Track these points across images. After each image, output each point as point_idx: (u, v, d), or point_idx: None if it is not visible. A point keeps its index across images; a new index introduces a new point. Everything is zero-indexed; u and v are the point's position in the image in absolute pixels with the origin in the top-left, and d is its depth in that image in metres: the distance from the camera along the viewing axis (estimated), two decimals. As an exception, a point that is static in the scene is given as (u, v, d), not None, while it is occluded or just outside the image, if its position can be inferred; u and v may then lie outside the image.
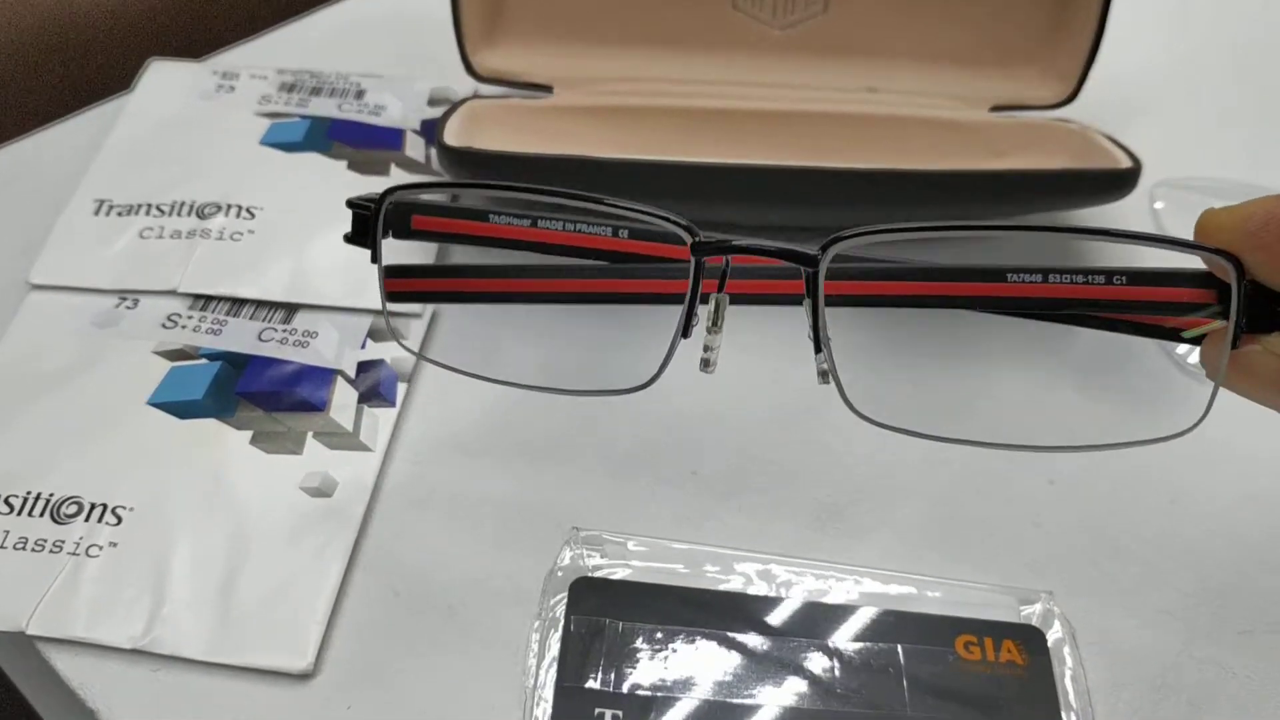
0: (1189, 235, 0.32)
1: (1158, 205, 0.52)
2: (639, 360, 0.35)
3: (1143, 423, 0.43)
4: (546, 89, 0.51)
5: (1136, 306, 0.34)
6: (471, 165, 0.45)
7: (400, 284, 0.38)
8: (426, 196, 0.40)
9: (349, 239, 0.37)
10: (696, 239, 0.33)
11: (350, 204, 0.36)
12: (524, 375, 0.38)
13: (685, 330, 0.33)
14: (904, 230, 0.33)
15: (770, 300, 0.35)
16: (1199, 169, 0.54)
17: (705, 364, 0.34)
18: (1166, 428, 0.33)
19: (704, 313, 0.34)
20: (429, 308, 0.45)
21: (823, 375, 0.34)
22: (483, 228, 0.37)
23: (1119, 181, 0.45)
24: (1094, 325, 0.35)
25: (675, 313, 0.34)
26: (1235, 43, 0.64)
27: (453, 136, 0.46)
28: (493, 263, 0.38)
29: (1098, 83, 0.51)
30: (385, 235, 0.36)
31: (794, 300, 0.33)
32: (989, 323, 0.36)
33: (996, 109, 0.52)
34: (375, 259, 0.36)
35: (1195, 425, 0.33)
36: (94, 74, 0.56)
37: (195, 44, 0.57)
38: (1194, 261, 0.32)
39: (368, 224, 0.36)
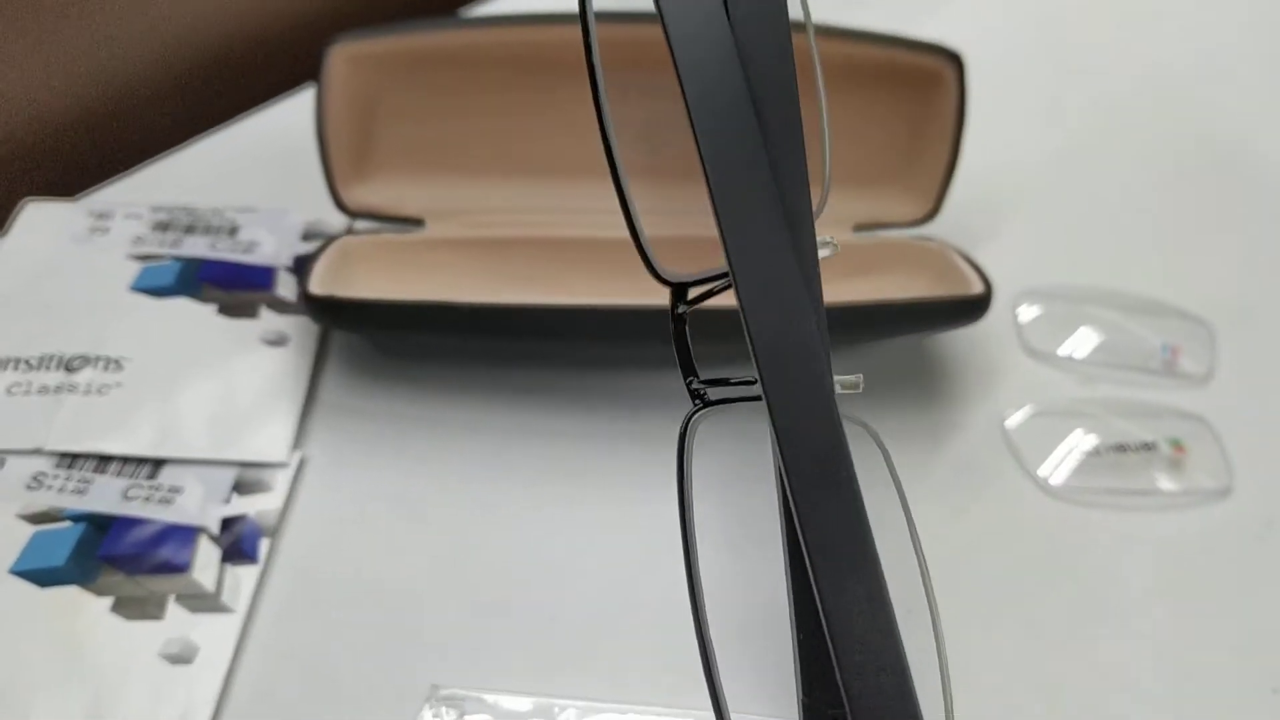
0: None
1: (1020, 317, 0.53)
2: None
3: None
4: (419, 222, 0.52)
5: None
6: (337, 314, 0.45)
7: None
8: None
9: None
10: None
11: None
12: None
13: None
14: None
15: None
16: (1066, 275, 0.56)
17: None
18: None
19: None
20: (297, 454, 0.45)
21: None
22: None
23: (970, 309, 0.47)
24: None
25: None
26: (1106, 144, 0.65)
27: (319, 282, 0.46)
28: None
29: (963, 188, 0.52)
30: None
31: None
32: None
33: (860, 228, 0.53)
34: None
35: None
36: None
37: (75, 177, 0.57)
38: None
39: None
